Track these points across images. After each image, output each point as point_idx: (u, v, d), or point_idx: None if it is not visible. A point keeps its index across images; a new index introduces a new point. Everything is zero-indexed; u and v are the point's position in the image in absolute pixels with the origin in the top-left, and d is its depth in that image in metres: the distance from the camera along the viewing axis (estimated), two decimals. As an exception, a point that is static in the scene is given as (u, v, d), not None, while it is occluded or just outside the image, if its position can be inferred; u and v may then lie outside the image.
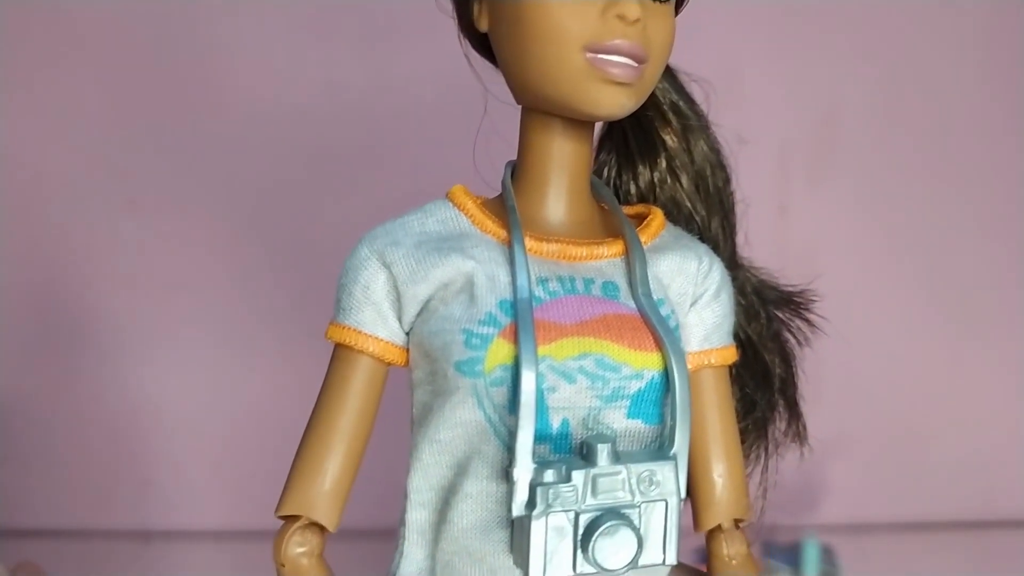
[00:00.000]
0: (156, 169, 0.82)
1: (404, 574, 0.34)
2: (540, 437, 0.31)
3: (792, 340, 0.41)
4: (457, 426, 0.32)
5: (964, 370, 0.92)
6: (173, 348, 0.84)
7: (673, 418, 0.33)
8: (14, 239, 0.81)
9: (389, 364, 0.35)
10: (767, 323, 0.41)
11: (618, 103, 0.33)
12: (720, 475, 0.36)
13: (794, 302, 0.41)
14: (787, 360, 0.41)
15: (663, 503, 0.32)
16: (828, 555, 0.80)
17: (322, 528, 0.34)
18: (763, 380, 0.41)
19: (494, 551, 0.32)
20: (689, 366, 0.36)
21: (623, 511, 0.31)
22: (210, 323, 0.84)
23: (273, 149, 0.82)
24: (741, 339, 0.40)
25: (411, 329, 0.34)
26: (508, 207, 0.35)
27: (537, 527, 0.30)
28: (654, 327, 0.33)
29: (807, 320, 0.41)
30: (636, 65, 0.32)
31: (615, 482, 0.31)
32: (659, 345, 0.33)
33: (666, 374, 0.33)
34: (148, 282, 0.84)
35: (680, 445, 0.32)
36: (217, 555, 0.82)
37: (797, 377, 0.41)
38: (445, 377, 0.32)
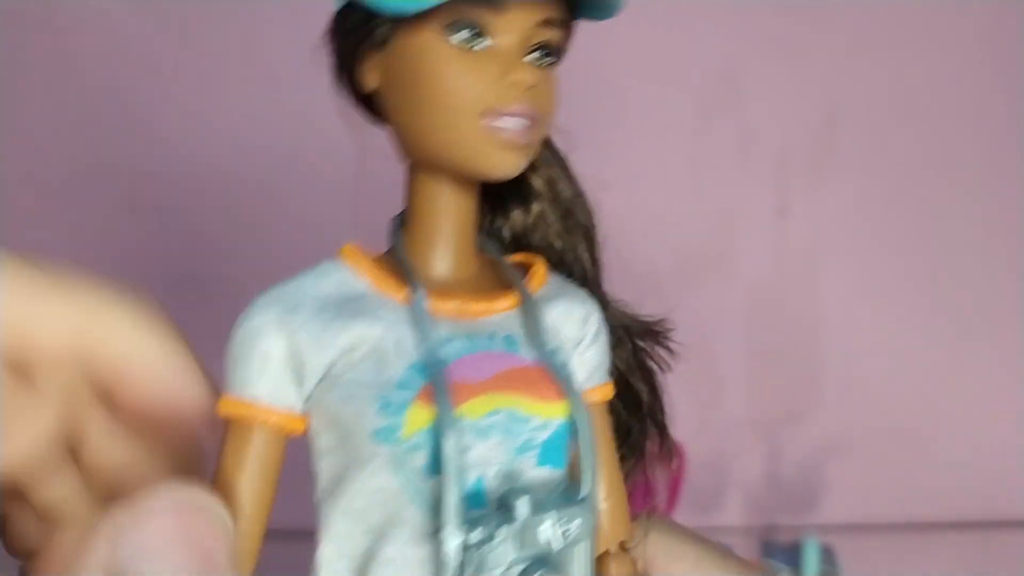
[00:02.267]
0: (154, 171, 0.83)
1: None
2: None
3: (656, 367, 0.43)
4: (375, 493, 0.32)
5: (964, 370, 0.92)
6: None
7: (580, 462, 0.34)
8: (13, 239, 0.81)
9: (289, 435, 0.34)
10: (634, 353, 0.42)
11: (514, 164, 0.34)
12: (605, 504, 0.37)
13: (654, 332, 0.43)
14: (653, 386, 0.43)
15: (582, 544, 0.33)
16: (828, 555, 0.81)
17: None
18: (634, 407, 0.42)
19: None
20: None
21: (548, 558, 0.32)
22: (210, 323, 0.84)
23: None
24: (612, 371, 0.41)
25: (311, 396, 0.33)
26: (405, 269, 0.35)
27: None
28: (554, 377, 0.34)
29: (667, 348, 0.43)
30: (531, 125, 0.34)
31: (538, 532, 0.31)
32: (561, 394, 0.34)
33: (568, 421, 0.34)
34: (148, 282, 0.84)
35: (590, 488, 0.34)
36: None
37: (663, 400, 0.43)
38: (359, 445, 0.32)
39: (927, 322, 0.92)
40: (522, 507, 0.31)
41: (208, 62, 0.82)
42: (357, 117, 0.38)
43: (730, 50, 0.88)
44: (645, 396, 0.42)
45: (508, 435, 0.33)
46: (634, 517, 0.39)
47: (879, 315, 0.92)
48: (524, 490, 0.32)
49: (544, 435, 0.34)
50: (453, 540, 0.30)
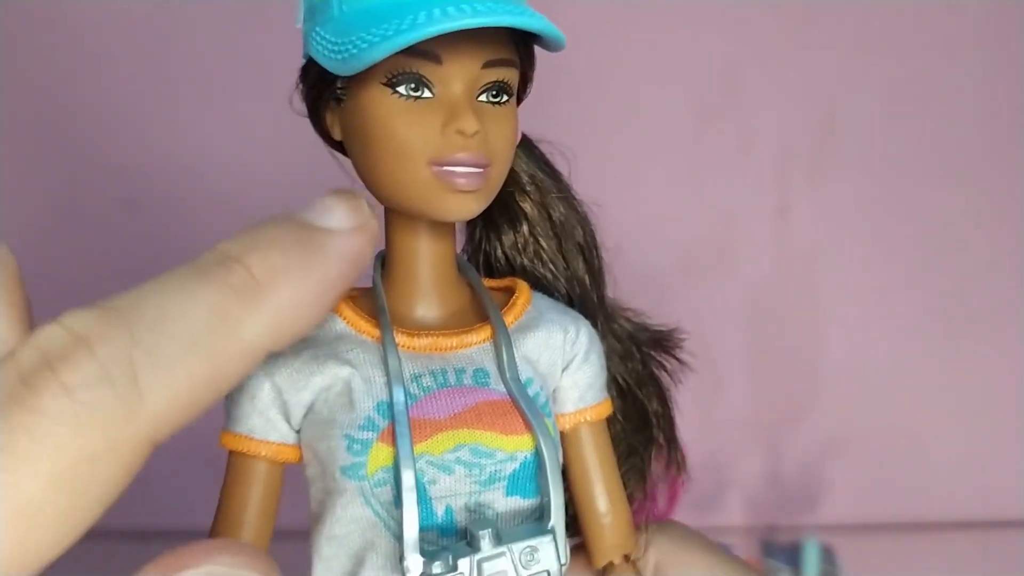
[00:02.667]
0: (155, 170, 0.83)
1: None
2: (426, 526, 0.34)
3: (666, 378, 0.44)
4: (351, 522, 0.34)
5: (964, 370, 0.92)
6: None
7: (547, 494, 0.35)
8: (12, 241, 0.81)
9: (284, 463, 0.36)
10: (642, 365, 0.43)
11: (467, 209, 0.35)
12: (607, 518, 0.39)
13: (665, 342, 0.44)
14: (663, 398, 0.44)
15: (545, 574, 0.34)
16: (828, 555, 0.81)
17: None
18: (642, 421, 0.43)
19: None
20: (567, 426, 0.39)
21: None
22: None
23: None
24: (620, 384, 0.42)
25: (300, 429, 0.36)
26: (379, 307, 0.36)
27: None
28: (523, 410, 0.36)
29: (677, 359, 0.44)
30: (480, 171, 0.34)
31: (499, 563, 0.33)
32: (529, 427, 0.35)
33: (537, 453, 0.35)
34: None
35: (556, 518, 0.35)
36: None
37: (673, 412, 0.44)
38: (333, 479, 0.34)
39: (927, 322, 0.92)
40: (484, 539, 0.33)
41: (204, 72, 0.82)
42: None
43: (730, 50, 0.88)
44: (655, 407, 0.43)
45: (473, 468, 0.34)
46: (638, 527, 0.40)
47: (879, 315, 0.92)
48: (488, 522, 0.33)
49: (511, 467, 0.35)
50: (414, 570, 0.32)
